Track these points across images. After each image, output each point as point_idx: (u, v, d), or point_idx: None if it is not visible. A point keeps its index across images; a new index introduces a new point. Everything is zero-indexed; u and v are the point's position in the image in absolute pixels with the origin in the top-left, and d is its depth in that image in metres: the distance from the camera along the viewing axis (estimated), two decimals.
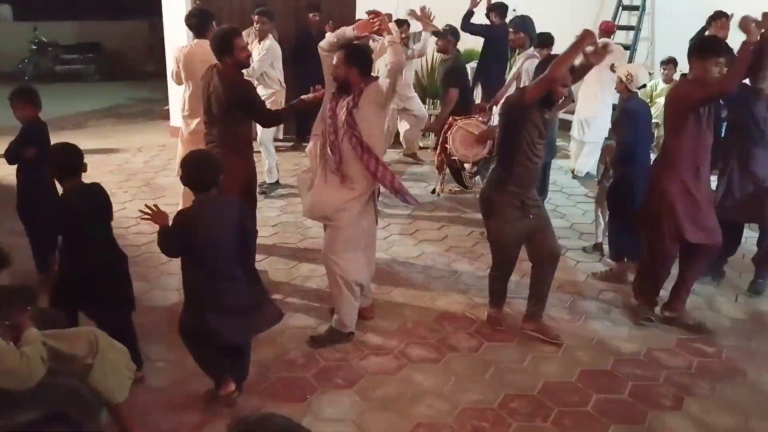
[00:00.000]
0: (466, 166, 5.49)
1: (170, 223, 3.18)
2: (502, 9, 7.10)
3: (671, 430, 3.27)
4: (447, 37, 6.50)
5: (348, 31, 3.76)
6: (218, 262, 3.13)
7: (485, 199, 3.98)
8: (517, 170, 3.73)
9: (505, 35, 6.56)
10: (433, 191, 6.42)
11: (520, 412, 3.34)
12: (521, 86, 5.13)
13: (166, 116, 9.16)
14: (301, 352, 3.84)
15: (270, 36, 6.64)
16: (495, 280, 4.14)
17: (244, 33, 6.98)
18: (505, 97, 4.65)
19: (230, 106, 4.11)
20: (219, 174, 3.17)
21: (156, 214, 3.17)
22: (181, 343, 3.84)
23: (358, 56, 3.66)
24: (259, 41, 6.62)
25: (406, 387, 3.54)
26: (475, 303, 4.49)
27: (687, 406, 3.44)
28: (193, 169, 3.16)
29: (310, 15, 7.91)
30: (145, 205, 3.22)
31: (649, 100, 8.45)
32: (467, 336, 4.06)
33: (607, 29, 7.37)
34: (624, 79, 4.55)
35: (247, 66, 4.55)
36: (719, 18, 5.68)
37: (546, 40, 6.16)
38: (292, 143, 8.35)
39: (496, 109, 5.56)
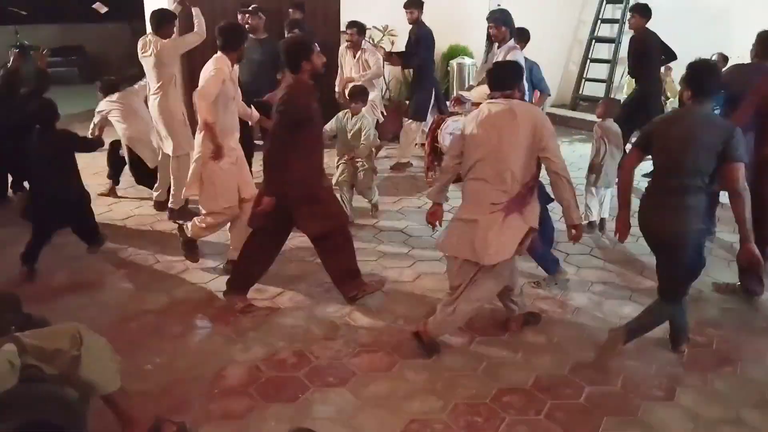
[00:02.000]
0: None
1: None
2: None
3: (663, 421, 3.27)
4: None
5: None
6: None
7: (685, 233, 3.47)
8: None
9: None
10: None
11: (513, 406, 3.33)
12: None
13: None
14: (292, 351, 3.81)
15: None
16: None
17: None
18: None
19: None
20: None
21: None
22: (171, 348, 3.84)
23: None
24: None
25: (398, 384, 3.53)
26: None
27: (679, 397, 3.45)
28: None
29: (291, 10, 7.85)
30: None
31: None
32: (458, 331, 4.04)
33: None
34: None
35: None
36: None
37: (522, 35, 6.12)
38: None
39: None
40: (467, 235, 3.58)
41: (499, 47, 5.42)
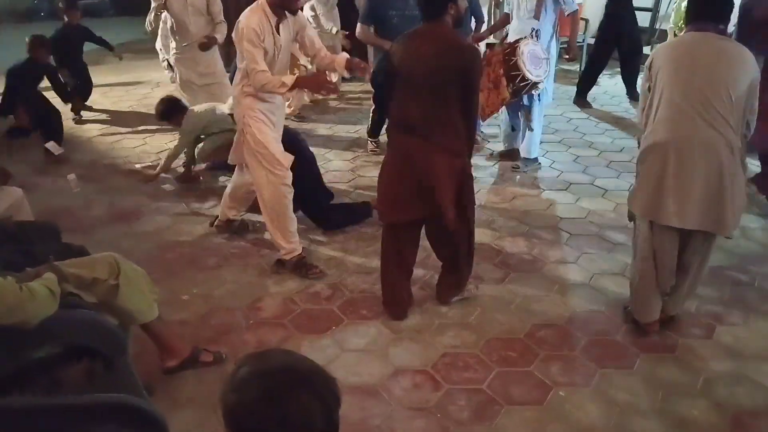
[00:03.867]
0: (539, 85, 4.93)
1: None
2: None
3: (701, 358, 3.21)
4: None
5: None
6: None
7: None
8: None
9: None
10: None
11: (547, 342, 3.31)
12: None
13: None
14: (326, 285, 3.83)
15: None
16: None
17: None
18: None
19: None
20: None
21: None
22: (207, 279, 3.89)
23: None
24: None
25: (431, 318, 3.52)
26: (501, 234, 4.43)
27: (719, 335, 3.38)
28: None
29: None
30: None
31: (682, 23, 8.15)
32: (492, 267, 4.01)
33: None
34: None
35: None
36: None
37: None
38: None
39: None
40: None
41: None
